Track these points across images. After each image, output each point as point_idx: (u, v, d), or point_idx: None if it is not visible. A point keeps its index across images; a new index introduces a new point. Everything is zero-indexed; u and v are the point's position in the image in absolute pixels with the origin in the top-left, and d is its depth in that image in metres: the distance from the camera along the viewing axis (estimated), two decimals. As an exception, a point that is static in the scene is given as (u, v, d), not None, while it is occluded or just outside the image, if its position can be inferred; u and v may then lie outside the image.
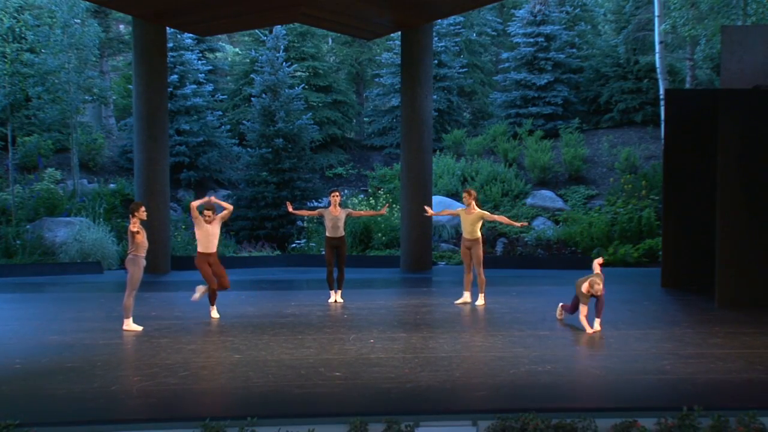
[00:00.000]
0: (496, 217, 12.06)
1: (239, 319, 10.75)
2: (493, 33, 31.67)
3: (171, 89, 22.37)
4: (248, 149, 22.95)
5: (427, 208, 13.08)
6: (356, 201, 21.41)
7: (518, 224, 12.09)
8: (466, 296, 12.00)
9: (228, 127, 25.42)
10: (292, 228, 21.38)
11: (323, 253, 19.21)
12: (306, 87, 26.25)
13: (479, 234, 11.74)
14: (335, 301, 12.20)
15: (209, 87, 24.98)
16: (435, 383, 7.20)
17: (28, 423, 6.05)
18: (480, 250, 11.69)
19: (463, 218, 11.80)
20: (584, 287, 9.62)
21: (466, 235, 11.79)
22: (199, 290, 10.79)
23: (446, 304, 11.95)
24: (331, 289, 12.29)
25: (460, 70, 27.69)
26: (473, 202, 11.75)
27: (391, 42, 27.25)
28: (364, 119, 29.87)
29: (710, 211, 12.25)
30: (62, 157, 23.24)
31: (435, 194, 19.95)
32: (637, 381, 7.38)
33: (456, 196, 22.43)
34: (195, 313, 11.17)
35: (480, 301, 11.78)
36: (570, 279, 15.37)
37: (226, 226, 21.36)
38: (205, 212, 10.82)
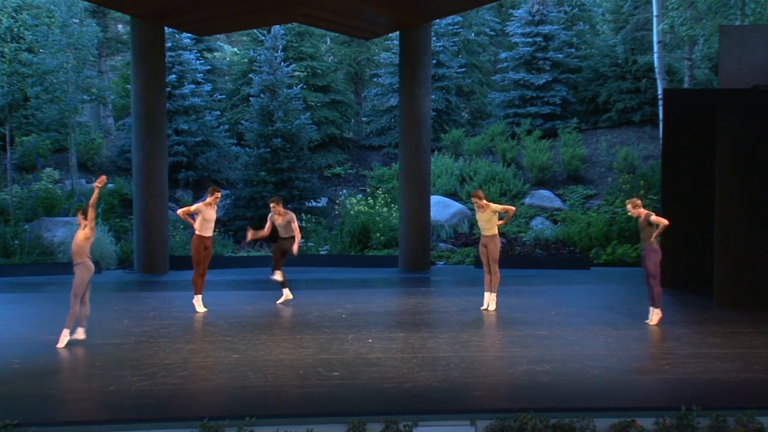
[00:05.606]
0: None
1: (238, 319, 10.74)
2: (492, 33, 31.67)
3: (169, 89, 22.34)
4: (247, 149, 22.95)
5: None
6: (354, 201, 21.42)
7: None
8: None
9: (226, 126, 25.40)
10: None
11: (322, 253, 19.31)
12: (304, 87, 26.24)
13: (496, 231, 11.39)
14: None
15: (208, 87, 24.96)
16: (433, 383, 7.20)
17: (27, 423, 6.05)
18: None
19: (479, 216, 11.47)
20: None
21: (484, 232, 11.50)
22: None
23: (445, 304, 11.96)
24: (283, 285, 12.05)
25: (459, 70, 27.68)
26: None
27: (389, 42, 27.24)
28: (363, 119, 29.85)
29: (709, 210, 12.25)
30: (61, 157, 23.23)
31: (433, 194, 19.94)
32: (635, 381, 7.39)
33: (455, 196, 22.44)
34: (193, 313, 11.17)
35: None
36: (569, 279, 15.46)
37: (224, 226, 21.38)
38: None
